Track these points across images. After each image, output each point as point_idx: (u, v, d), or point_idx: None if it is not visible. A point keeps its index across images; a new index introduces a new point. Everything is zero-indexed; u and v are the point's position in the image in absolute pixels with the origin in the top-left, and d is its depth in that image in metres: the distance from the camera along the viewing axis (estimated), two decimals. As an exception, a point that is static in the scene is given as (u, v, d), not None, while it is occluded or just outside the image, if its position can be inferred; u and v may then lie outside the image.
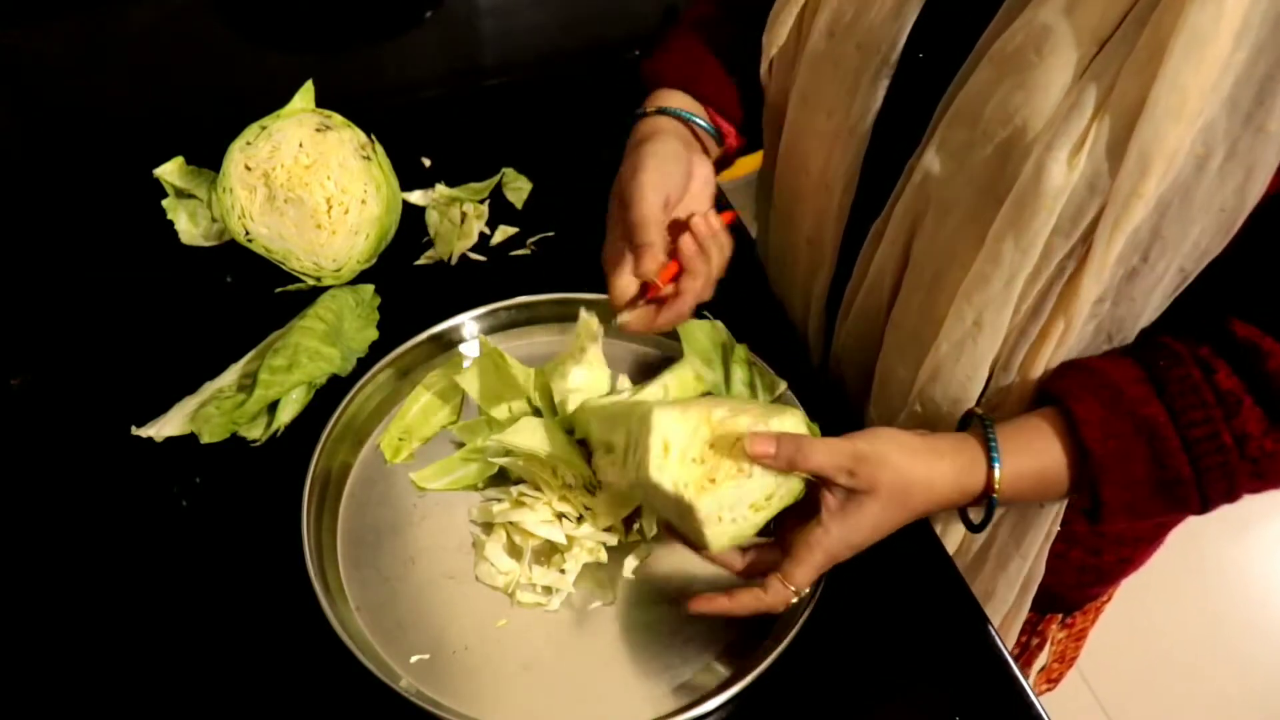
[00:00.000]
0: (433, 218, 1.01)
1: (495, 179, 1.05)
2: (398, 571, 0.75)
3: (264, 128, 0.91)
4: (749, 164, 0.95)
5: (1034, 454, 0.65)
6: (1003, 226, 0.62)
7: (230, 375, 0.85)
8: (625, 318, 0.70)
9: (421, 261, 0.98)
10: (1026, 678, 0.70)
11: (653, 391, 0.78)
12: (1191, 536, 0.97)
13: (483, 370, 0.83)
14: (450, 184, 1.04)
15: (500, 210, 1.03)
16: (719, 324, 0.82)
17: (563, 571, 0.74)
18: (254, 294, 0.93)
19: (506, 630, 0.72)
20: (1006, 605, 0.84)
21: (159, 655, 0.70)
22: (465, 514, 0.78)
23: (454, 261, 0.98)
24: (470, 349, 0.88)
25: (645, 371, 0.86)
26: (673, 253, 0.70)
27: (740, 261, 0.75)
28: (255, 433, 0.82)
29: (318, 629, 0.67)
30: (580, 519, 0.75)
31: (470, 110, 1.17)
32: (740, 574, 0.67)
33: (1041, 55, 0.59)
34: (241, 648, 0.70)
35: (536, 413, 0.82)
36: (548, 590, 0.73)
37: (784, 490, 0.63)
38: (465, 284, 0.94)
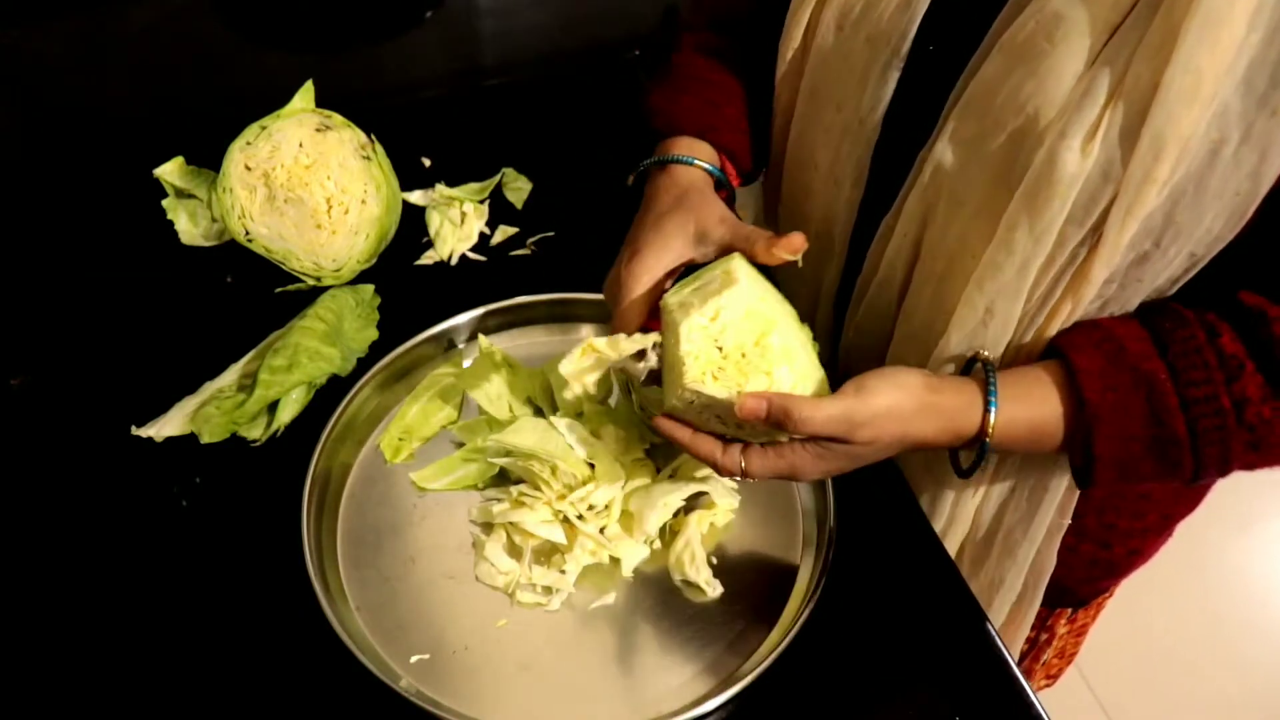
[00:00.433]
0: (433, 218, 1.01)
1: (495, 179, 1.05)
2: (398, 571, 0.75)
3: (264, 128, 0.91)
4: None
5: (1032, 401, 0.65)
6: (1016, 216, 0.62)
7: (230, 375, 0.86)
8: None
9: (421, 261, 0.98)
10: (1034, 674, 0.70)
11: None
12: (1192, 536, 0.97)
13: (482, 370, 0.83)
14: (450, 184, 1.04)
15: (500, 210, 1.03)
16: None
17: (563, 572, 0.74)
18: (254, 294, 0.93)
19: (506, 630, 0.72)
20: (1015, 594, 0.84)
21: (159, 655, 0.70)
22: (465, 514, 0.78)
23: (454, 261, 0.98)
24: (470, 349, 0.88)
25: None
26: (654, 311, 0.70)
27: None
28: (255, 433, 0.82)
29: (318, 629, 0.68)
30: (581, 518, 0.75)
31: (470, 110, 1.18)
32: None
33: (1053, 43, 0.59)
34: (242, 648, 0.70)
35: (537, 412, 0.82)
36: (548, 590, 0.73)
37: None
38: (465, 284, 0.95)
